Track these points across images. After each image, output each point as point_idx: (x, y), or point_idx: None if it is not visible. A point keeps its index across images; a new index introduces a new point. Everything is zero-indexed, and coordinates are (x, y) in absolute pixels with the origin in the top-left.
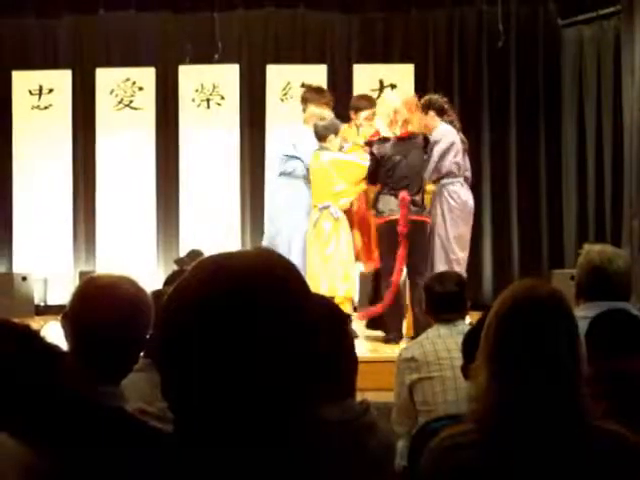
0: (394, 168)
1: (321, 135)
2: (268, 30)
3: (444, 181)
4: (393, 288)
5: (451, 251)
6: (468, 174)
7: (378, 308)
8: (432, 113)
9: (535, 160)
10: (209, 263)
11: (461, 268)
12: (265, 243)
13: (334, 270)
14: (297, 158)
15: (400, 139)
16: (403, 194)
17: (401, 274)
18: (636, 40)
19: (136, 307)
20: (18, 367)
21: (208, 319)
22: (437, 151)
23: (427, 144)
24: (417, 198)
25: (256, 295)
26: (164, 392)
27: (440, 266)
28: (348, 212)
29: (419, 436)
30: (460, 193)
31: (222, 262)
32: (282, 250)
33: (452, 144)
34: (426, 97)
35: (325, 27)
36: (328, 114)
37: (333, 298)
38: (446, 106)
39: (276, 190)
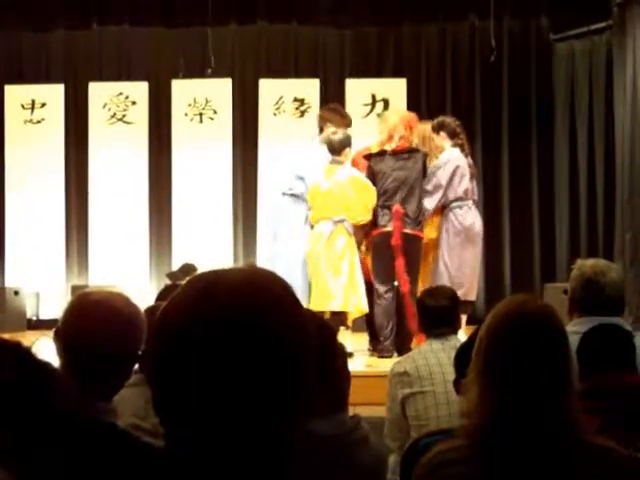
0: (389, 182)
1: (336, 148)
2: (261, 44)
3: (452, 205)
4: (407, 300)
5: (455, 274)
6: (475, 197)
7: (412, 324)
8: (443, 134)
9: (527, 174)
10: (202, 280)
11: (466, 289)
12: (266, 258)
13: (348, 285)
14: (303, 180)
15: (396, 153)
16: (396, 207)
17: (407, 284)
18: (628, 55)
19: (128, 323)
20: (8, 385)
21: (201, 336)
22: (444, 178)
23: (425, 160)
24: (411, 212)
25: (250, 312)
26: (156, 408)
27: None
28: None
29: (411, 451)
30: (467, 216)
31: (215, 279)
32: (283, 266)
33: (457, 168)
34: (440, 118)
35: (317, 42)
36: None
37: (346, 313)
38: (458, 129)
39: (286, 210)
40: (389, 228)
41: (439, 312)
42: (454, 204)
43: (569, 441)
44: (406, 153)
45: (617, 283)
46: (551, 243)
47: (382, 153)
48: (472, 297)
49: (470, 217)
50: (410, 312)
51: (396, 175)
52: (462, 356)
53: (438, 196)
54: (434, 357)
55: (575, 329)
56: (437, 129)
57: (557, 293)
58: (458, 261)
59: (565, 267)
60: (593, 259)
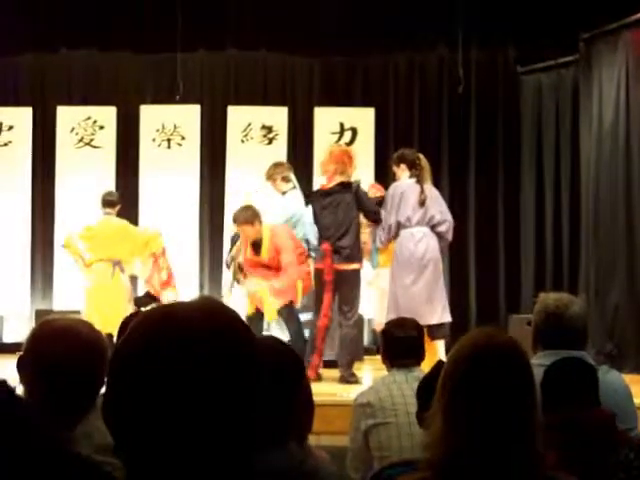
0: (321, 219)
1: (110, 203)
2: (229, 71)
3: (397, 233)
4: (320, 334)
5: (402, 301)
6: (441, 229)
7: (315, 359)
8: (403, 166)
9: (493, 204)
10: (156, 314)
11: (422, 319)
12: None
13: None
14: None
15: (327, 191)
16: (325, 245)
17: (326, 320)
18: (593, 89)
19: (92, 350)
20: None
21: (157, 369)
22: (386, 211)
23: (358, 190)
24: (344, 248)
25: (202, 345)
26: (115, 441)
27: (391, 314)
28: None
29: None
30: (407, 244)
31: (169, 313)
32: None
33: (400, 197)
34: (400, 151)
35: (286, 70)
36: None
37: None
38: (417, 160)
39: None
40: (320, 265)
41: (406, 343)
42: (400, 232)
43: (531, 476)
44: (338, 188)
45: (580, 316)
46: (516, 274)
47: (315, 193)
48: (432, 321)
49: (411, 245)
50: (319, 346)
51: (328, 214)
52: (424, 389)
53: (385, 233)
54: (397, 388)
55: (539, 362)
56: (397, 162)
57: (522, 324)
58: (403, 291)
59: (530, 298)
60: (556, 293)
